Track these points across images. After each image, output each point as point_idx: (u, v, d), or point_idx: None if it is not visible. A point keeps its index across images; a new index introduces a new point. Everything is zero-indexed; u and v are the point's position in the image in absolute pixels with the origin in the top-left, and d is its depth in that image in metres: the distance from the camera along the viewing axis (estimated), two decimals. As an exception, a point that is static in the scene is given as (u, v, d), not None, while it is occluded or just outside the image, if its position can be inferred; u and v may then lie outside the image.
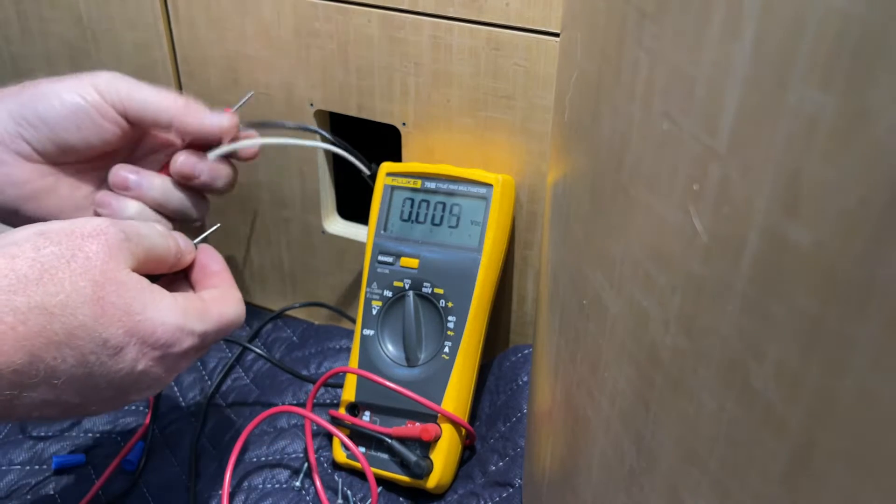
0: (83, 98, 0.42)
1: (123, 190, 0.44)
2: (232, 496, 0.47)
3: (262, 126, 0.50)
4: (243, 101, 0.49)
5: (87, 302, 0.33)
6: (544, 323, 0.35)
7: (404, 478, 0.47)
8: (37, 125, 0.42)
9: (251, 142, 0.46)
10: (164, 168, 0.46)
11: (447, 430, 0.47)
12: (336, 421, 0.49)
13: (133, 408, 0.54)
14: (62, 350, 0.32)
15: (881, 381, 0.15)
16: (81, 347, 0.33)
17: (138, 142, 0.47)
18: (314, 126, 0.52)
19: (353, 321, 0.59)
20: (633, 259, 0.23)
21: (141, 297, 0.35)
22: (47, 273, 0.32)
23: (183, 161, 0.44)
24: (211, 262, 0.42)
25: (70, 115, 0.42)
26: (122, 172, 0.44)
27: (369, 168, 0.52)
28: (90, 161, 0.45)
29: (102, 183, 0.45)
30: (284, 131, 0.52)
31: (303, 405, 0.53)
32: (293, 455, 0.50)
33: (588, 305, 0.27)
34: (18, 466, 0.50)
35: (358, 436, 0.49)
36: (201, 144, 0.45)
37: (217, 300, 0.39)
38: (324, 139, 0.52)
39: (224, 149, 0.45)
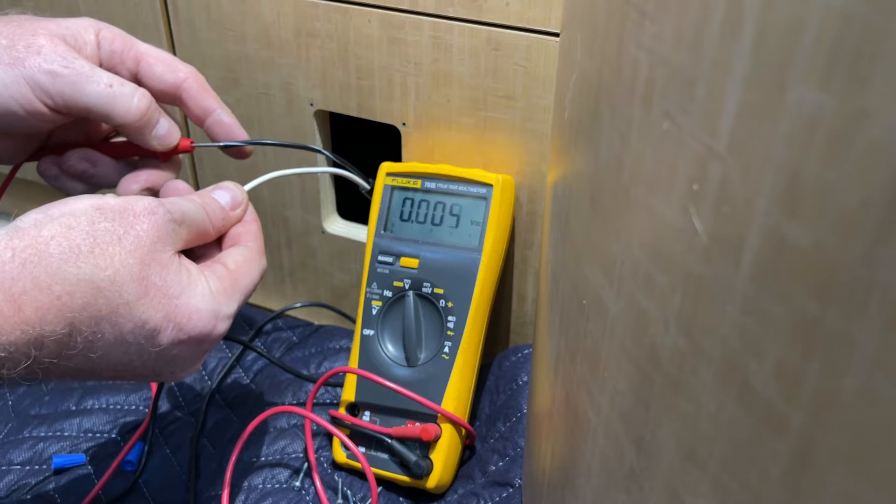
0: (12, 97, 0.38)
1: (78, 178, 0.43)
2: (232, 496, 0.47)
3: (261, 144, 0.48)
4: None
5: (133, 280, 0.33)
6: (544, 323, 0.35)
7: (404, 478, 0.47)
8: None
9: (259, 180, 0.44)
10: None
11: (447, 430, 0.47)
12: (336, 421, 0.49)
13: (133, 408, 0.54)
14: (102, 325, 0.33)
15: (881, 381, 0.15)
16: (122, 326, 0.33)
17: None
18: (315, 145, 0.51)
19: (353, 321, 0.59)
20: (633, 259, 0.23)
21: (179, 280, 0.35)
22: (99, 247, 0.33)
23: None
24: None
25: None
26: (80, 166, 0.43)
27: (367, 182, 0.52)
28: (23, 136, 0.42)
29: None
30: (285, 151, 0.51)
31: (303, 405, 0.53)
32: (293, 455, 0.50)
33: (588, 305, 0.27)
34: (18, 466, 0.50)
35: (358, 436, 0.49)
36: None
37: (242, 267, 0.39)
38: (329, 162, 0.51)
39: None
